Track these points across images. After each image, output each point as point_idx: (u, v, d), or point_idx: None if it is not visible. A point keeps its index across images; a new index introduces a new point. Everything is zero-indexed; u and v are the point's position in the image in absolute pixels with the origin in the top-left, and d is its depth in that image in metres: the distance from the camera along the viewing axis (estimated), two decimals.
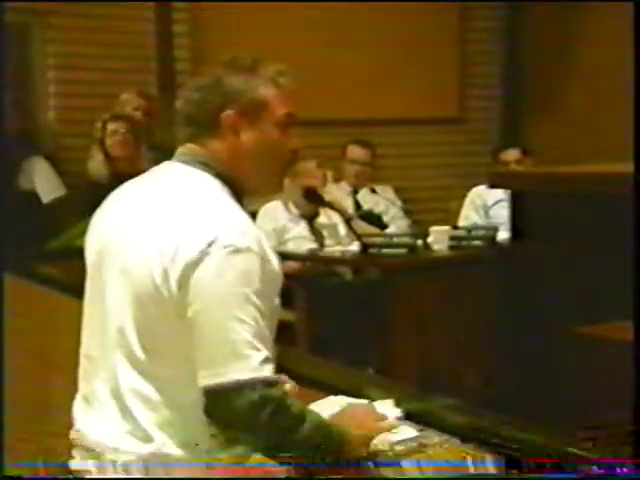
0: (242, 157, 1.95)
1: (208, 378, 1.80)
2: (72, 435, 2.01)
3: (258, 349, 1.79)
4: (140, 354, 1.87)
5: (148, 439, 1.86)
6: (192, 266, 1.79)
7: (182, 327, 1.82)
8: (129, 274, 1.87)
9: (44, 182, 5.52)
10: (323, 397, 2.27)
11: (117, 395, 1.90)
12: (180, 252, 1.80)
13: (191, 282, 1.79)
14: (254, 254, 1.81)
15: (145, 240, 1.86)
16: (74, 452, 2.00)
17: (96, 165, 5.33)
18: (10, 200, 5.08)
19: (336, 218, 5.13)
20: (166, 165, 2.02)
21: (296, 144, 2.02)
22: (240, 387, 1.78)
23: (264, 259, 1.83)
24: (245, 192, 1.99)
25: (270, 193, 2.11)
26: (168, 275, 1.81)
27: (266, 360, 1.80)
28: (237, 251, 1.79)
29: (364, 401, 2.25)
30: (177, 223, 1.85)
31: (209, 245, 1.79)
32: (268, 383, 1.79)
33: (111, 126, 5.32)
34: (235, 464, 1.88)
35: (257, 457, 1.90)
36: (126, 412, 1.88)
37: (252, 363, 1.78)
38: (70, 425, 2.03)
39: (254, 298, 1.80)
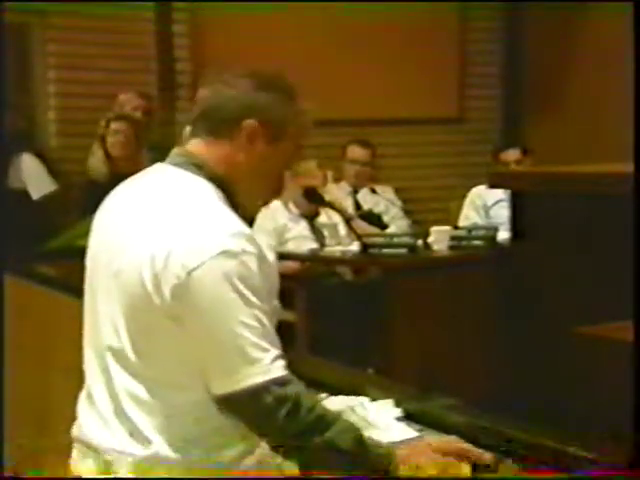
0: (246, 167, 1.94)
1: (221, 387, 1.80)
2: (74, 430, 2.01)
3: (266, 349, 1.79)
4: (132, 357, 1.86)
5: (146, 442, 1.85)
6: (187, 275, 1.77)
7: (174, 330, 1.81)
8: (120, 277, 1.86)
9: (34, 179, 5.52)
10: (323, 397, 2.27)
11: (113, 397, 1.90)
12: (173, 259, 1.79)
13: (189, 292, 1.77)
14: (249, 255, 1.80)
15: (136, 244, 1.85)
16: (75, 447, 2.00)
17: (96, 162, 5.34)
18: (8, 200, 5.09)
19: (336, 218, 5.13)
20: (158, 167, 2.00)
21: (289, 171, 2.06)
22: (254, 392, 1.78)
23: (260, 258, 1.82)
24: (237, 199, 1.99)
25: (254, 209, 2.10)
26: (160, 281, 1.79)
27: (276, 359, 1.80)
28: (232, 255, 1.78)
29: (364, 399, 2.25)
30: (169, 228, 1.83)
31: (203, 252, 1.78)
32: (281, 382, 1.79)
33: (114, 125, 5.34)
34: (234, 465, 1.87)
35: (256, 457, 1.90)
36: (122, 415, 1.88)
37: (263, 366, 1.78)
38: (70, 424, 2.03)
39: (255, 299, 1.79)
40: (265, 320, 1.81)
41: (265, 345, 1.79)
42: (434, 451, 1.90)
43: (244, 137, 1.93)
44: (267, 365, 1.78)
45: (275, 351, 1.81)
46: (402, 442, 2.03)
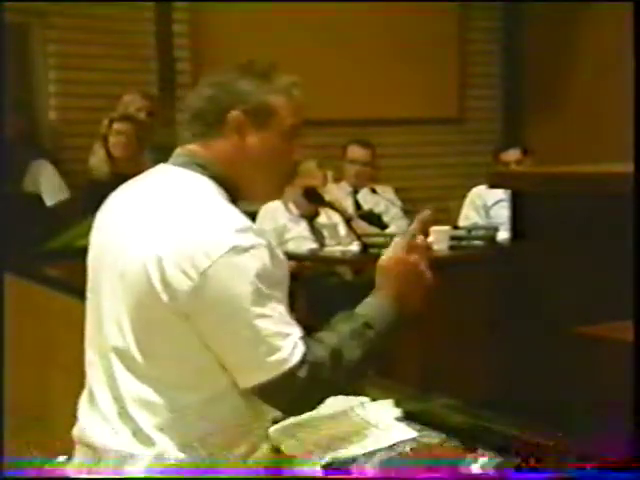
0: (243, 160, 1.95)
1: (249, 380, 1.83)
2: (75, 431, 2.01)
3: (287, 335, 1.82)
4: (138, 357, 1.87)
5: (149, 442, 1.86)
6: (200, 276, 1.78)
7: (182, 329, 1.82)
8: (125, 278, 1.87)
9: (49, 185, 5.53)
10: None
11: (117, 398, 1.90)
12: (182, 259, 1.79)
13: (204, 293, 1.78)
14: (259, 248, 1.81)
15: (142, 244, 1.85)
16: (76, 448, 2.00)
17: (97, 162, 5.34)
18: (12, 201, 5.08)
19: (336, 218, 5.13)
20: (161, 168, 2.00)
21: (298, 156, 2.02)
22: (284, 379, 1.81)
23: (269, 249, 1.83)
24: (242, 196, 1.99)
25: (266, 200, 2.09)
26: (169, 282, 1.80)
27: (297, 343, 1.83)
28: (243, 250, 1.79)
29: (364, 399, 2.25)
30: (175, 228, 1.83)
31: (213, 251, 1.78)
32: (304, 360, 1.82)
33: (117, 126, 5.34)
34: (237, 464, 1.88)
35: (258, 456, 1.91)
36: (126, 415, 1.88)
37: (286, 352, 1.81)
38: (70, 425, 2.03)
39: (269, 291, 1.81)
40: (280, 307, 1.83)
41: (285, 331, 1.82)
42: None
43: (232, 131, 1.93)
44: (291, 349, 1.81)
45: (295, 333, 1.84)
46: (397, 444, 2.04)
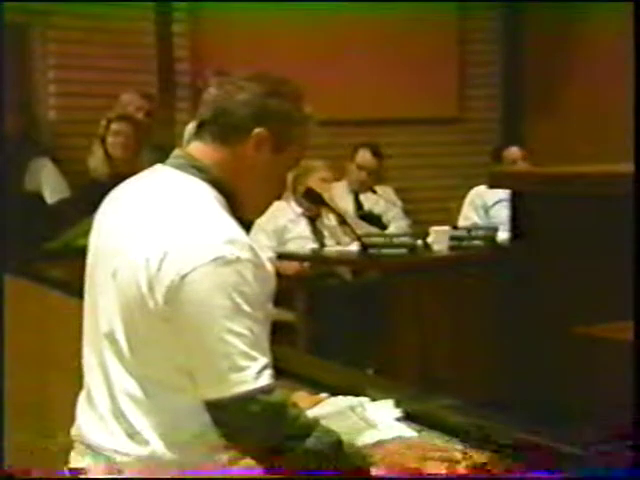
0: (248, 175, 1.93)
1: (209, 392, 1.80)
2: (73, 430, 2.01)
3: (255, 358, 1.79)
4: (129, 357, 1.87)
5: (143, 442, 1.85)
6: (180, 280, 1.77)
7: (168, 332, 1.81)
8: (117, 278, 1.87)
9: (51, 183, 5.53)
10: (323, 397, 2.27)
11: (111, 397, 1.90)
12: (167, 262, 1.78)
13: (180, 297, 1.77)
14: (244, 263, 1.79)
15: (133, 245, 1.85)
16: (74, 448, 2.00)
17: (96, 162, 5.34)
18: (13, 200, 5.08)
19: (336, 218, 5.13)
20: (158, 169, 1.99)
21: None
22: (240, 400, 1.78)
23: (255, 265, 1.81)
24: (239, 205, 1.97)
25: (256, 214, 2.07)
26: (153, 286, 1.79)
27: (264, 368, 1.80)
28: (226, 263, 1.77)
29: (364, 399, 2.25)
30: (165, 231, 1.82)
31: (197, 257, 1.77)
32: (267, 390, 1.79)
33: (115, 126, 5.33)
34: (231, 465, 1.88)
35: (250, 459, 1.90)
36: (120, 414, 1.88)
37: (250, 374, 1.77)
38: (70, 424, 2.03)
39: (247, 308, 1.78)
40: (256, 328, 1.80)
41: (254, 354, 1.79)
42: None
43: (252, 144, 1.92)
44: (255, 374, 1.78)
45: (264, 360, 1.80)
46: (393, 439, 2.04)
